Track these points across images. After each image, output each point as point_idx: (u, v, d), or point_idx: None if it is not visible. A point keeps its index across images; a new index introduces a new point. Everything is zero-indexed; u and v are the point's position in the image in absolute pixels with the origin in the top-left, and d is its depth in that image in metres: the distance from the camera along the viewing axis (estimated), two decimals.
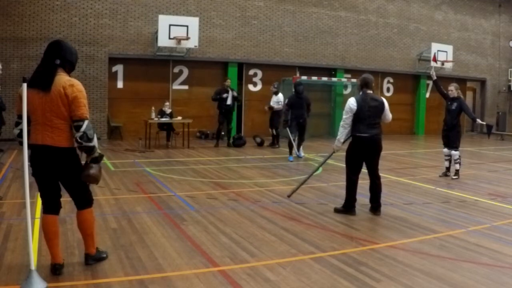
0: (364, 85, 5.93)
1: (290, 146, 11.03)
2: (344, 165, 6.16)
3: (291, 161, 10.72)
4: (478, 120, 9.17)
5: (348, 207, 5.95)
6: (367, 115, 5.80)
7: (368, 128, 5.80)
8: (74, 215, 4.04)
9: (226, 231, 5.08)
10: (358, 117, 5.79)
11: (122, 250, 4.36)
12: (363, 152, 5.89)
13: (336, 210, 6.02)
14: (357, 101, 5.80)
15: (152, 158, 10.82)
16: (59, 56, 3.71)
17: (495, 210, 6.42)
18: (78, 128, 3.61)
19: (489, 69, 22.02)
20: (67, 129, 3.68)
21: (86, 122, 3.63)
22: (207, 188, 7.47)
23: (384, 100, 6.02)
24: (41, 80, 3.63)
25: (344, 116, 5.87)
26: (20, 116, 3.65)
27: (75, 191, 3.88)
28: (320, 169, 8.87)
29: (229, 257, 4.25)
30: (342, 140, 5.98)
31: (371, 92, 5.95)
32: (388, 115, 6.04)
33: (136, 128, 14.66)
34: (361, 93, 5.93)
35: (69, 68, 3.81)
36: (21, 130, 3.62)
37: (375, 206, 6.00)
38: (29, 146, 3.69)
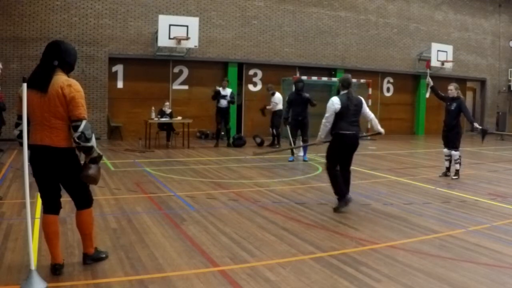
0: (348, 85, 6.20)
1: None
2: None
3: (291, 161, 10.72)
4: (475, 124, 9.06)
5: (342, 198, 6.09)
6: (351, 113, 6.10)
7: (350, 126, 6.10)
8: (74, 215, 4.04)
9: (226, 231, 5.08)
10: (341, 116, 6.06)
11: (122, 250, 4.35)
12: (345, 149, 6.19)
13: (336, 210, 6.04)
14: (341, 101, 6.06)
15: (152, 158, 10.82)
16: (58, 57, 3.71)
17: (495, 210, 6.42)
18: (76, 128, 3.61)
19: (489, 69, 22.02)
20: (66, 129, 3.68)
21: (84, 122, 3.63)
22: (207, 188, 7.47)
23: (362, 98, 6.36)
24: (39, 81, 3.63)
25: (326, 115, 6.13)
26: (20, 117, 3.66)
27: (75, 192, 3.88)
28: (320, 168, 8.96)
29: (229, 257, 4.25)
30: (323, 138, 6.34)
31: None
32: (369, 112, 6.39)
33: (136, 128, 14.66)
34: (345, 92, 6.16)
35: (67, 69, 3.81)
36: (21, 131, 3.61)
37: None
38: (29, 146, 3.68)
